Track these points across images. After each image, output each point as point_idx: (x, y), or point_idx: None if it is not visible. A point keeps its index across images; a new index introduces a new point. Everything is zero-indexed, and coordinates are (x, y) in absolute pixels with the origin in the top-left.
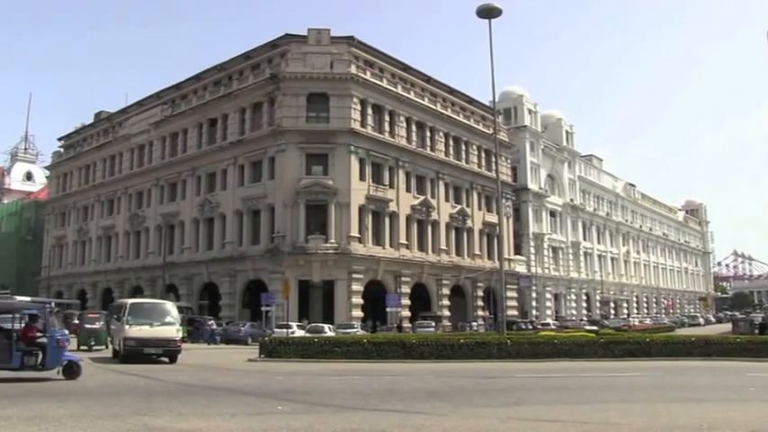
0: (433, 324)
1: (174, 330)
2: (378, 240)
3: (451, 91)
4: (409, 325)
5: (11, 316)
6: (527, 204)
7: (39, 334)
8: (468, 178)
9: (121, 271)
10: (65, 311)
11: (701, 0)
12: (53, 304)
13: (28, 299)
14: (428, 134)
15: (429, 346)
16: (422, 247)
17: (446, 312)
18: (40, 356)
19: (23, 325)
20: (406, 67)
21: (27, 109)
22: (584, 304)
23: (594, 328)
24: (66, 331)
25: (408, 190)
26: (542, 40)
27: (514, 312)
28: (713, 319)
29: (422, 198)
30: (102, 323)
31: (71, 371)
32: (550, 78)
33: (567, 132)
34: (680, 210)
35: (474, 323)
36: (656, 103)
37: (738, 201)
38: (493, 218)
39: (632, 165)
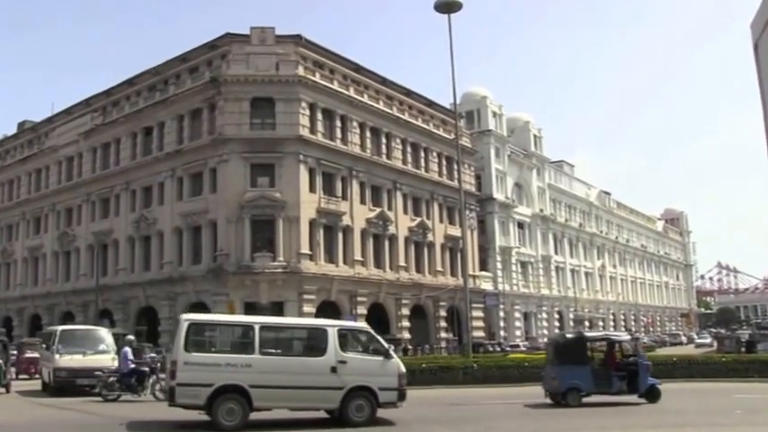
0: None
1: (108, 359)
2: (330, 257)
3: (409, 93)
4: None
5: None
6: (493, 216)
7: (625, 359)
8: (428, 188)
9: (50, 295)
10: None
11: None
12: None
13: None
14: (384, 141)
15: None
16: (379, 264)
17: (406, 335)
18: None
19: (605, 351)
20: (358, 68)
21: None
22: (557, 323)
23: None
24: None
25: (363, 202)
26: (508, 36)
27: (481, 333)
28: (696, 337)
29: (378, 210)
30: None
31: None
32: (518, 79)
33: (535, 136)
34: (659, 219)
35: (426, 345)
36: (634, 107)
37: (722, 209)
38: (456, 231)
39: (609, 173)
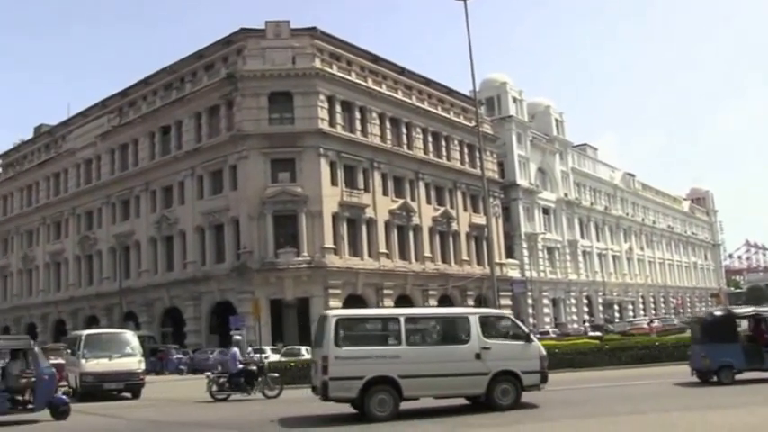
0: None
1: (135, 362)
2: (355, 251)
3: (428, 82)
4: None
5: None
6: (517, 202)
7: None
8: (450, 177)
9: (74, 300)
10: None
11: None
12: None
13: None
14: (404, 131)
15: None
16: (404, 256)
17: None
18: None
19: (753, 327)
20: (376, 59)
21: None
22: (586, 308)
23: (597, 333)
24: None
25: (386, 193)
26: (527, 20)
27: None
28: None
29: (401, 201)
30: None
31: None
32: (537, 64)
33: (556, 121)
34: (685, 199)
35: None
36: (657, 84)
37: (748, 186)
38: (480, 219)
39: (636, 154)
